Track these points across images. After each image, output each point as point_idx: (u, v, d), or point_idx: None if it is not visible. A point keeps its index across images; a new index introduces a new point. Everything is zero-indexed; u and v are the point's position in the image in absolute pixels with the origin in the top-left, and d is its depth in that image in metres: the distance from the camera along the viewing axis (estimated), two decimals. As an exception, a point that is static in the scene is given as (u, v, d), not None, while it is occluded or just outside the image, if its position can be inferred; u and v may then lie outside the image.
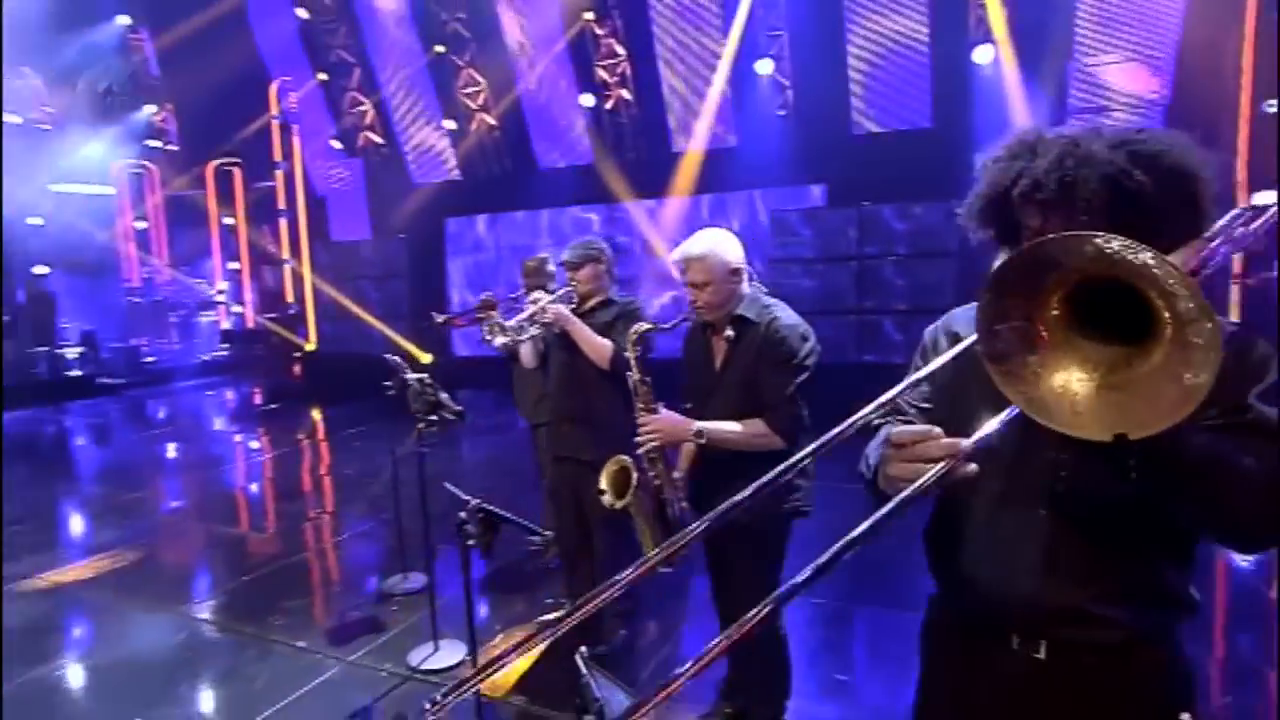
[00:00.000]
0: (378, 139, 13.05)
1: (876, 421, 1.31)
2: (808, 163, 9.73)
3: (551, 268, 4.29)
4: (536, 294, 3.59)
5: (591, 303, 3.43)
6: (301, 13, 12.38)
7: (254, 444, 9.24)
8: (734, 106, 10.32)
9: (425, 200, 12.77)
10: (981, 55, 8.74)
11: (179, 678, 3.56)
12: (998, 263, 0.99)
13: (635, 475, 2.55)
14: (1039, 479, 1.24)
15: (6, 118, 12.64)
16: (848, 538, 0.93)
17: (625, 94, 11.19)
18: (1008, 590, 1.26)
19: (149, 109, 14.52)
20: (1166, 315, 0.86)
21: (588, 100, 11.17)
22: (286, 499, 6.87)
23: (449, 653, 3.45)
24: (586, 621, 3.49)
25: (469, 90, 11.98)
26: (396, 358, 3.99)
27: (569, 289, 3.45)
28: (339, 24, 12.40)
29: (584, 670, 1.45)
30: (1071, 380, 0.94)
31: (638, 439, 2.50)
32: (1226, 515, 1.06)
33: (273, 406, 11.58)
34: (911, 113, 9.35)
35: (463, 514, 2.28)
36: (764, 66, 9.92)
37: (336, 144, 13.32)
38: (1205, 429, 1.04)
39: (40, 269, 13.51)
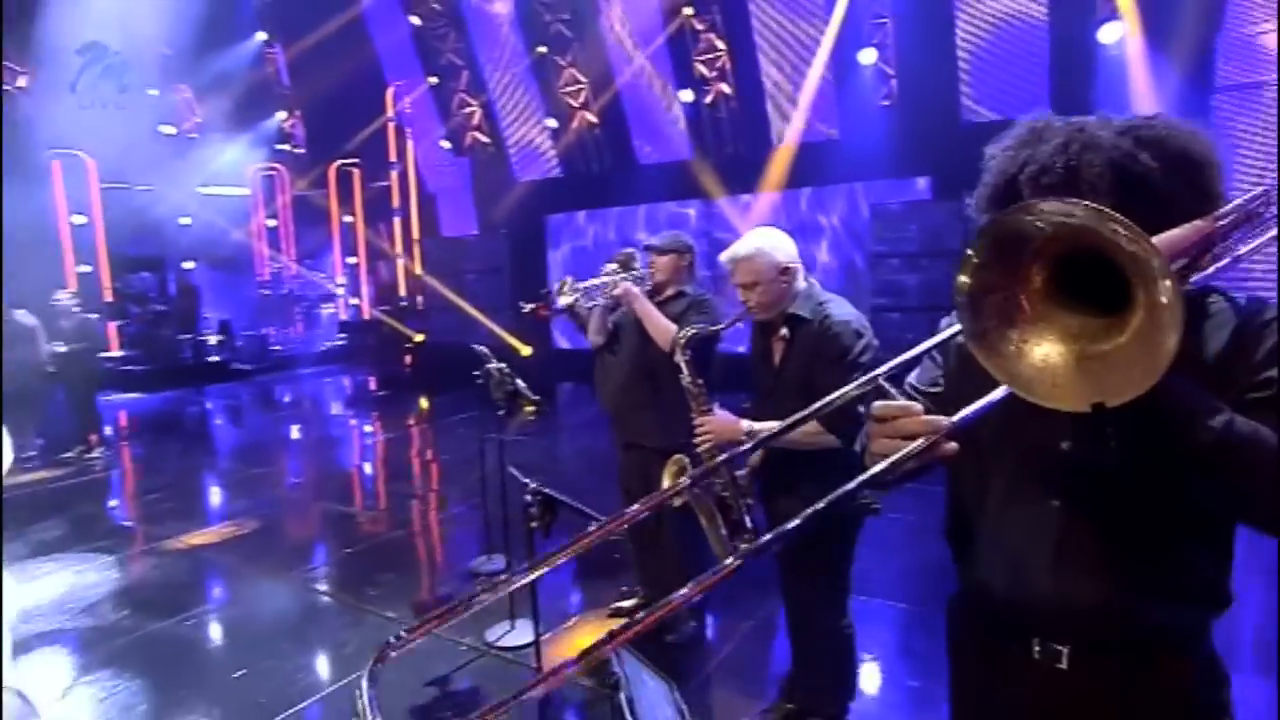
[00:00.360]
0: (484, 138, 13.55)
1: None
2: (912, 154, 9.39)
3: (638, 263, 4.34)
4: (612, 267, 3.60)
5: (666, 293, 3.47)
6: (414, 19, 13.02)
7: (367, 428, 9.82)
8: (835, 98, 10.09)
9: (527, 196, 13.16)
10: (1108, 34, 8.15)
11: (282, 636, 3.88)
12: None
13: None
14: (1048, 469, 1.19)
15: (162, 129, 14.01)
16: (810, 509, 0.94)
17: (725, 88, 11.14)
18: (1024, 590, 1.21)
19: (280, 115, 15.67)
20: (1136, 280, 0.86)
21: (687, 95, 11.20)
22: (391, 480, 7.30)
23: (523, 632, 3.58)
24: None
25: (570, 89, 12.25)
26: (484, 348, 4.16)
27: (646, 272, 3.49)
28: (449, 29, 12.96)
29: (616, 657, 1.49)
30: (1052, 353, 0.94)
31: (694, 441, 2.52)
32: (1253, 496, 1.01)
33: (385, 393, 12.26)
34: (1027, 98, 8.82)
35: (526, 497, 2.38)
36: (867, 56, 9.64)
37: (445, 144, 13.93)
38: (1226, 407, 0.99)
39: (188, 264, 14.88)
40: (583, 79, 12.14)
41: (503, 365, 3.65)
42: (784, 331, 2.41)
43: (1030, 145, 1.17)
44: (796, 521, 1.05)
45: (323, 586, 4.46)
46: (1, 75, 11.84)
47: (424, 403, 11.22)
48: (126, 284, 13.44)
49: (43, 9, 11.68)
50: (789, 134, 10.51)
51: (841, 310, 2.41)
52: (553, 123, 12.50)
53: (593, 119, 12.25)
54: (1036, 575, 1.20)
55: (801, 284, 2.46)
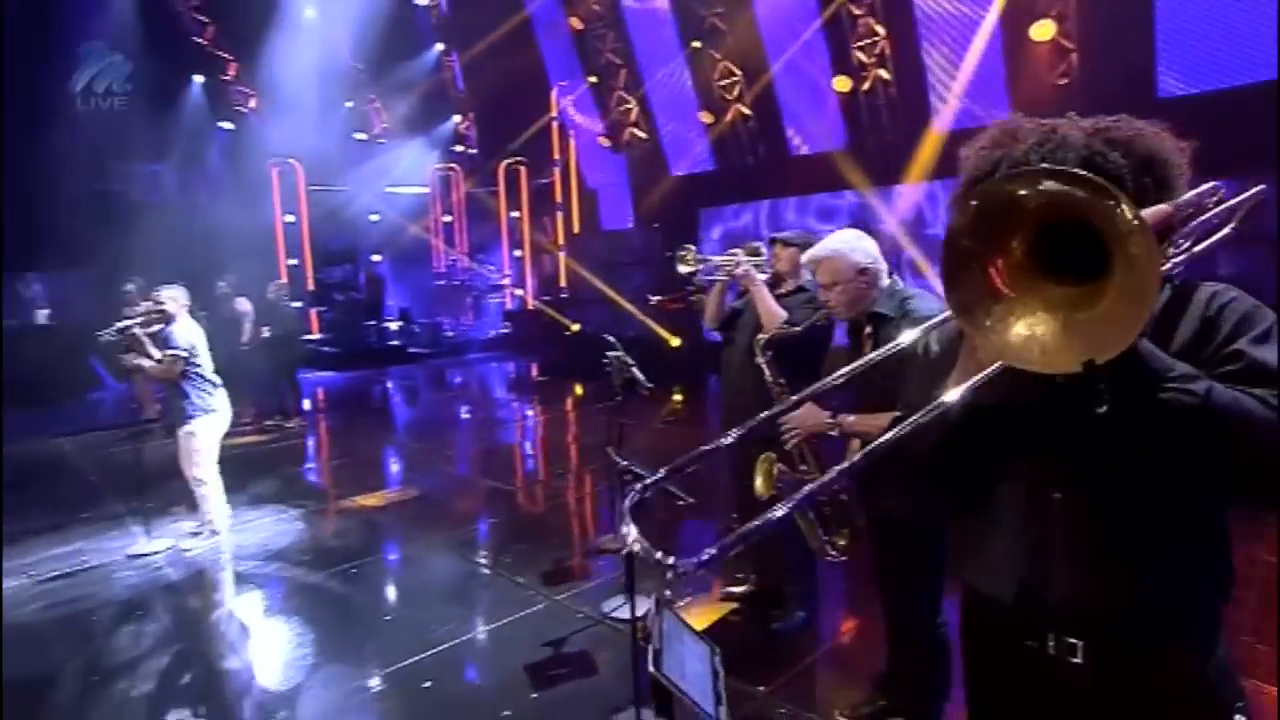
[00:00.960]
0: (640, 134, 13.93)
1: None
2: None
3: (763, 255, 4.37)
4: (735, 251, 3.65)
5: (786, 285, 3.50)
6: (575, 23, 13.60)
7: (528, 411, 10.49)
8: (1005, 78, 9.43)
9: (681, 190, 13.40)
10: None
11: (426, 590, 4.36)
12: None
13: (776, 469, 2.60)
14: (1046, 459, 1.19)
15: (356, 136, 15.67)
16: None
17: (883, 74, 10.75)
18: (1032, 585, 1.21)
19: (455, 119, 16.97)
20: (1112, 239, 0.89)
21: (843, 84, 10.92)
22: (540, 459, 7.80)
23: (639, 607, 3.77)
24: (770, 596, 3.61)
25: (725, 82, 12.31)
26: (612, 337, 4.38)
27: (768, 261, 3.54)
28: (608, 30, 13.42)
29: (654, 609, 1.61)
30: (1037, 322, 0.97)
31: (782, 437, 2.55)
32: (1240, 462, 1.02)
33: (544, 379, 12.98)
34: (1246, 66, 7.77)
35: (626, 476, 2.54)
36: (1043, 30, 8.93)
37: (604, 140, 14.45)
38: (1205, 376, 1.02)
39: (376, 257, 16.53)
40: (736, 71, 12.16)
41: (620, 354, 3.84)
42: (868, 329, 2.41)
43: (1004, 145, 1.21)
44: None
45: (465, 550, 4.90)
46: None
47: (579, 389, 11.77)
48: (327, 275, 15.18)
49: (269, 43, 13.48)
50: (950, 119, 9.97)
51: (925, 305, 2.37)
52: (707, 116, 12.62)
53: (746, 111, 12.26)
54: (1043, 570, 1.20)
55: (884, 283, 2.45)
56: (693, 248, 3.68)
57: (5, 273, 11.52)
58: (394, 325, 15.17)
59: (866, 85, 10.84)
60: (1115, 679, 1.17)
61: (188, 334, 4.85)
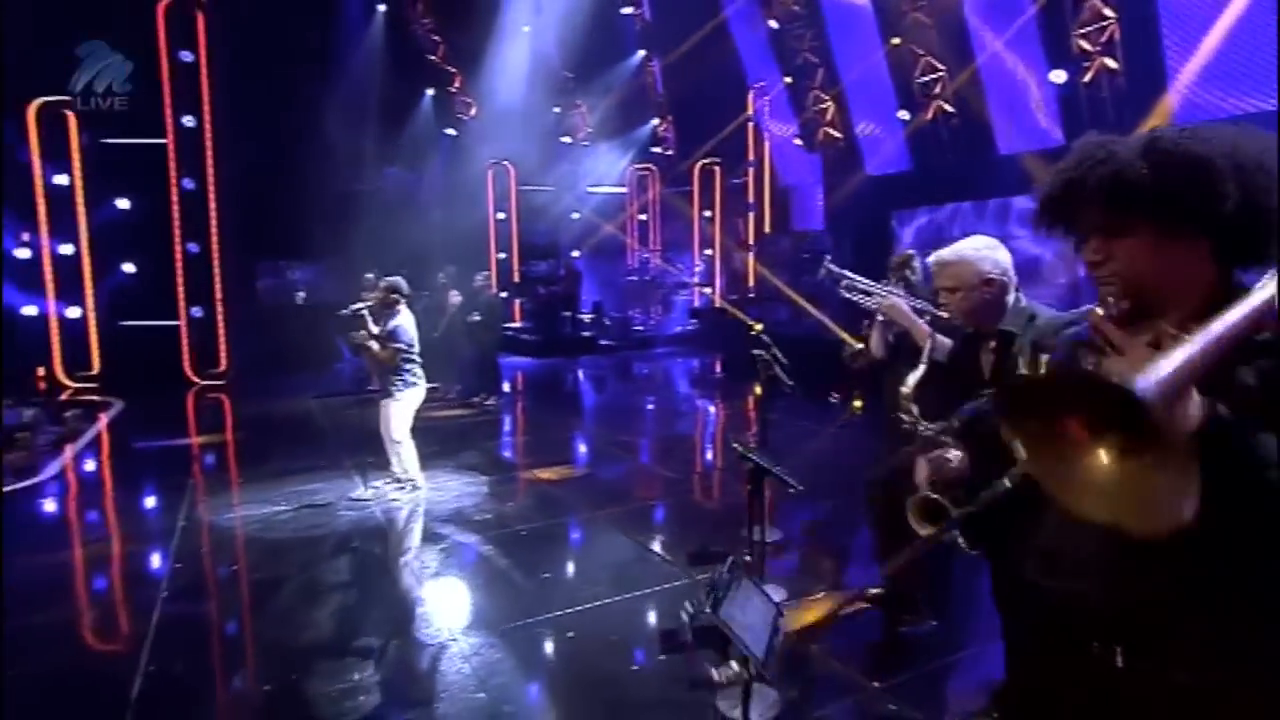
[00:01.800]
0: (835, 133, 13.72)
1: None
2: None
3: (916, 265, 4.30)
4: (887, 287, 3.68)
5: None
6: (772, 23, 13.66)
7: (706, 405, 10.83)
8: (1267, 63, 8.24)
9: (875, 191, 13.02)
10: None
11: (579, 556, 4.84)
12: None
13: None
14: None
15: (562, 139, 16.88)
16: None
17: (1110, 62, 9.79)
18: (1079, 589, 1.21)
19: (654, 121, 17.67)
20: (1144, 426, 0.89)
21: (1059, 76, 10.09)
22: (709, 451, 8.09)
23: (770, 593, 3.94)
24: (905, 601, 3.66)
25: (926, 79, 11.81)
26: (765, 336, 4.56)
27: (921, 278, 3.51)
28: (805, 29, 13.34)
29: (726, 567, 1.81)
30: (1083, 469, 0.97)
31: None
32: None
33: (726, 375, 13.22)
34: None
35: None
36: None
37: (798, 140, 14.40)
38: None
39: (575, 252, 17.68)
40: (939, 67, 11.62)
41: (760, 352, 4.01)
42: (992, 344, 2.37)
43: (1067, 166, 1.23)
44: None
45: (624, 527, 5.30)
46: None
47: (759, 388, 11.89)
48: (530, 268, 16.49)
49: (489, 56, 14.96)
50: (1185, 110, 8.89)
51: (1049, 312, 2.33)
52: (905, 114, 12.19)
53: (948, 108, 11.68)
54: (1089, 575, 1.20)
55: (1011, 298, 2.40)
56: (828, 259, 3.73)
57: (274, 261, 13.83)
58: (587, 317, 16.13)
59: (1088, 76, 9.93)
60: (1157, 684, 1.16)
61: (407, 325, 5.68)
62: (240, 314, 12.15)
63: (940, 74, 11.63)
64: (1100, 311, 1.17)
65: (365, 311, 5.73)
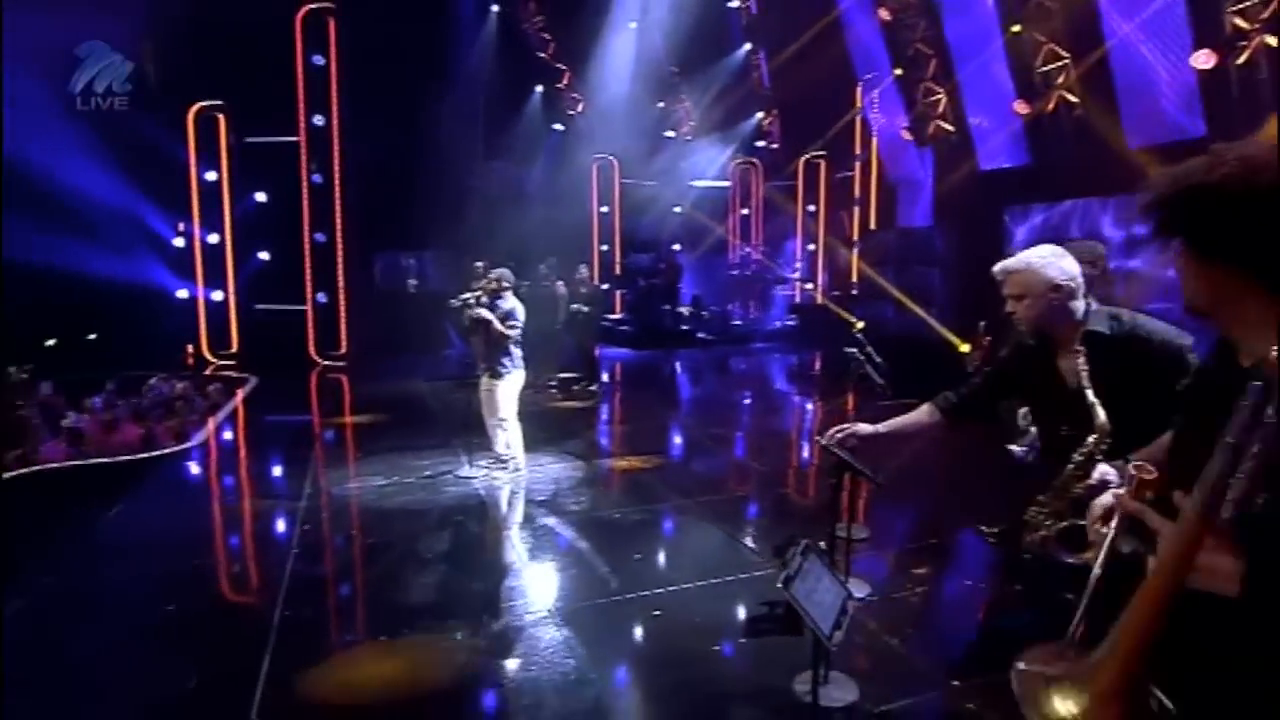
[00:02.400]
0: (947, 126, 13.25)
1: None
2: None
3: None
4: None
5: None
6: (884, 14, 13.31)
7: (804, 402, 10.77)
8: None
9: (988, 186, 12.52)
10: None
11: (669, 541, 5.00)
12: None
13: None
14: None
15: (667, 134, 17.06)
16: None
17: (1270, 40, 8.98)
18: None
19: (759, 115, 17.56)
20: None
21: (1201, 60, 9.38)
22: (802, 449, 8.09)
23: (853, 589, 3.97)
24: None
25: (1049, 68, 11.24)
26: (861, 335, 4.56)
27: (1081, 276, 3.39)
28: (919, 19, 12.93)
29: (799, 549, 1.90)
30: None
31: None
32: None
33: (824, 372, 13.05)
34: None
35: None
36: None
37: (907, 134, 14.00)
38: None
39: (676, 246, 17.83)
40: (1063, 54, 11.03)
41: (854, 351, 4.03)
42: (1079, 347, 2.31)
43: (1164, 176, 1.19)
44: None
45: (714, 516, 5.41)
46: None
47: (851, 387, 11.72)
48: (632, 261, 16.76)
49: (596, 53, 15.30)
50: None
51: (1155, 323, 2.27)
52: (1022, 106, 11.64)
53: (1071, 98, 11.08)
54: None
55: (1079, 303, 2.35)
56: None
57: (389, 250, 14.65)
58: (686, 311, 16.25)
59: (1243, 58, 9.17)
60: None
61: (518, 308, 6.02)
62: (359, 300, 13.00)
63: (1064, 61, 11.04)
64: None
65: (473, 300, 6.08)
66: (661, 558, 4.77)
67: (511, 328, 5.92)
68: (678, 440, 8.15)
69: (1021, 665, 1.62)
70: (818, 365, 13.71)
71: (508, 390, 6.02)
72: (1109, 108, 10.57)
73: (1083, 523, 2.03)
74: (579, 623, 3.75)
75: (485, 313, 5.98)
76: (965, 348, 11.93)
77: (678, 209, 17.53)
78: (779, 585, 1.62)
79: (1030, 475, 3.28)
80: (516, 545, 4.88)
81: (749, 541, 4.90)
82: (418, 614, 3.85)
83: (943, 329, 12.23)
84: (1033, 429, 3.06)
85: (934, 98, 13.32)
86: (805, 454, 7.75)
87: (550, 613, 3.87)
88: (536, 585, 4.27)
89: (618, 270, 16.47)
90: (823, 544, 3.01)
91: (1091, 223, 10.55)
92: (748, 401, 10.77)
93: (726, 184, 18.01)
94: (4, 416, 7.69)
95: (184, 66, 11.79)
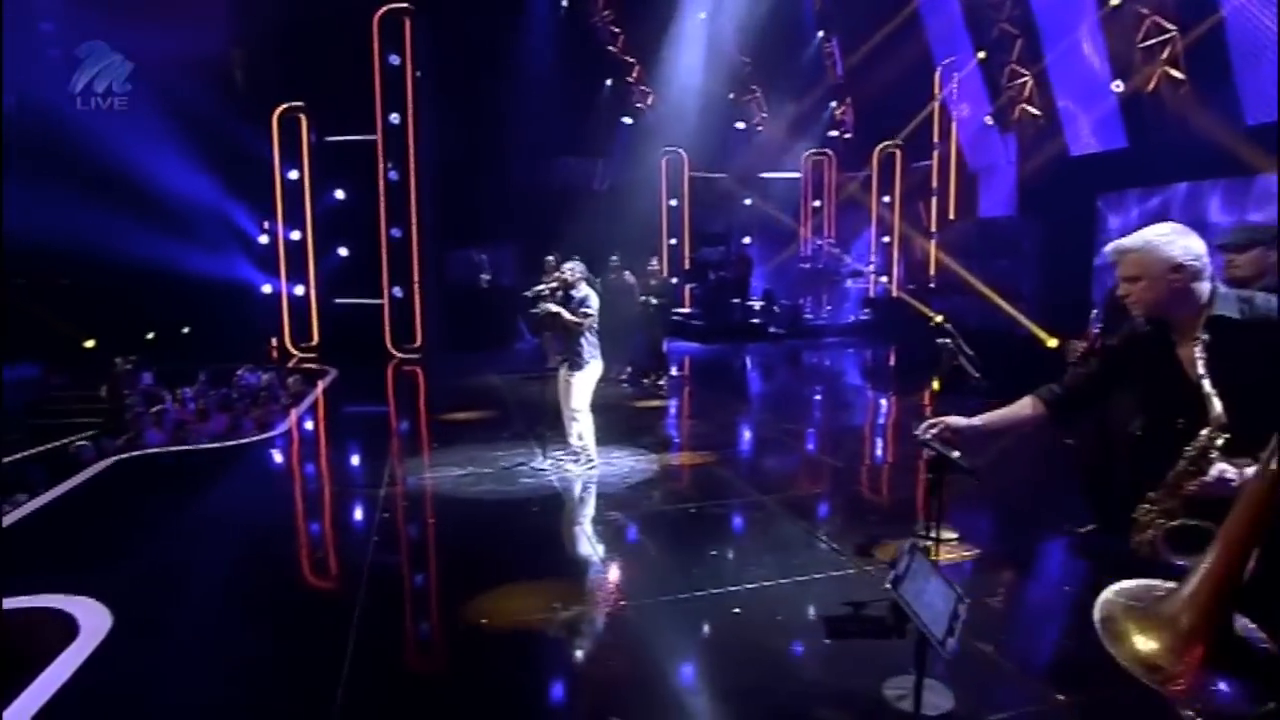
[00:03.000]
0: (1034, 110, 12.64)
1: None
2: None
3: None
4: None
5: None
6: (967, -6, 12.80)
7: (878, 397, 10.45)
8: None
9: (1079, 172, 11.89)
10: None
11: (747, 537, 4.87)
12: None
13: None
14: None
15: (737, 125, 16.82)
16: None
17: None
18: None
19: (833, 105, 17.14)
20: None
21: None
22: (877, 444, 7.83)
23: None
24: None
25: (1151, 42, 10.58)
26: (949, 325, 4.33)
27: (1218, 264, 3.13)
28: (1005, -1, 12.38)
29: (907, 548, 1.76)
30: None
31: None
32: None
33: (901, 368, 12.66)
34: None
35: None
36: None
37: (990, 121, 13.41)
38: None
39: (746, 239, 17.59)
40: (1168, 26, 10.35)
41: (947, 341, 3.81)
42: (1204, 336, 2.07)
43: None
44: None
45: (792, 512, 5.25)
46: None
47: (936, 381, 11.29)
48: (702, 254, 16.60)
49: (666, 45, 15.20)
50: None
51: (1271, 299, 2.01)
52: (1119, 86, 10.99)
53: (1177, 75, 10.39)
54: None
55: (1205, 286, 2.09)
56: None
57: (462, 246, 14.89)
58: (757, 304, 16.01)
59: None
60: None
61: (591, 296, 6.00)
62: (433, 294, 13.27)
63: (1170, 34, 10.35)
64: None
65: (547, 292, 6.07)
66: (739, 554, 4.63)
67: (584, 315, 5.89)
68: (750, 435, 7.99)
69: (1109, 595, 1.49)
70: (892, 360, 13.30)
71: (585, 381, 5.99)
72: (1222, 82, 9.85)
73: (1194, 522, 1.86)
74: (656, 617, 3.67)
75: (554, 306, 5.96)
76: (1053, 343, 11.36)
77: (748, 201, 17.29)
78: (887, 586, 1.50)
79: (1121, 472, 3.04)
80: (590, 537, 4.84)
81: (829, 539, 4.72)
82: (494, 601, 3.84)
83: (1029, 323, 11.67)
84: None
85: (1020, 80, 12.72)
86: (880, 450, 7.50)
87: (626, 605, 3.80)
88: (612, 578, 4.22)
89: (687, 264, 16.34)
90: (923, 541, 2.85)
91: (1197, 207, 9.87)
92: (820, 397, 10.51)
93: (798, 175, 17.65)
94: (115, 404, 8.17)
95: (268, 70, 12.26)
